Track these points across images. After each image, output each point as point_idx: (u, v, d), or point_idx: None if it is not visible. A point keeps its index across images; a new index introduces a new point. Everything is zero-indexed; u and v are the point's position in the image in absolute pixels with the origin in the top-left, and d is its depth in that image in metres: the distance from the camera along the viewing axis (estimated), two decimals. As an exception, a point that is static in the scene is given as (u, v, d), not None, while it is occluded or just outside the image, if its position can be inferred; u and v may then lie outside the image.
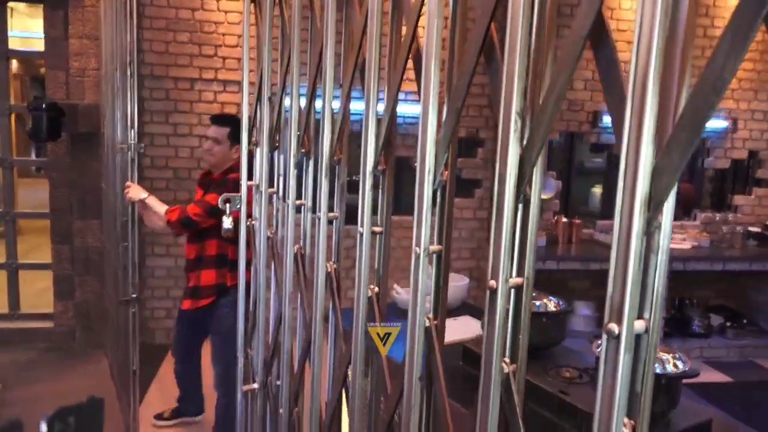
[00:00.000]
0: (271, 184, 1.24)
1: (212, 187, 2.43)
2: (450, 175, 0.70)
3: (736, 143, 5.17)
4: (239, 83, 4.43)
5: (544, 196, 4.84)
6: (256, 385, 1.29)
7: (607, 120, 4.73)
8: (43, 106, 3.90)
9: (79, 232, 4.45)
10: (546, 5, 0.57)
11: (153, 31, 4.26)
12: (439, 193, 0.71)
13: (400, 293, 2.82)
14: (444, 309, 0.74)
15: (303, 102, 1.06)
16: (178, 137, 4.38)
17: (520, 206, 0.58)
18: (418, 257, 0.72)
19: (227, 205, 1.36)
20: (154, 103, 4.33)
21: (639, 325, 0.47)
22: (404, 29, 0.81)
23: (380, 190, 0.83)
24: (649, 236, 0.46)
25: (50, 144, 4.24)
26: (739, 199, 5.26)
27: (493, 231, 0.59)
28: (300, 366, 1.10)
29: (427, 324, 0.73)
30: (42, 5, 4.21)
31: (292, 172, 1.08)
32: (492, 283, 0.59)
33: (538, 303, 2.39)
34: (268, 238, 1.22)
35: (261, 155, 1.23)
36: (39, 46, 4.36)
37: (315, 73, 1.02)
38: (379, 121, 0.82)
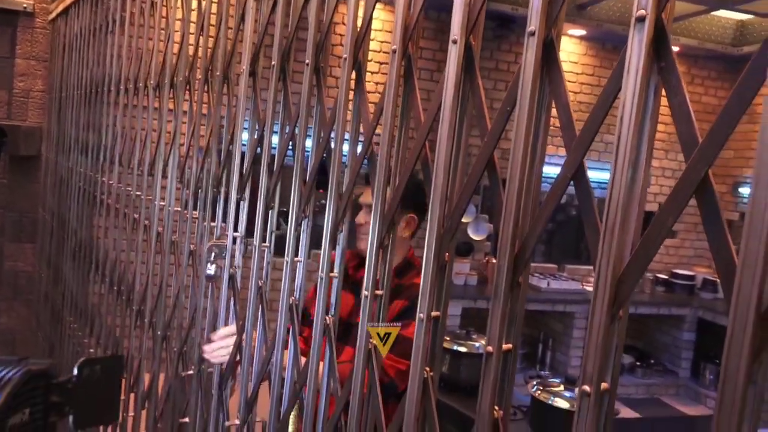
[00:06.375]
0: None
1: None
2: (450, 257, 0.89)
3: (648, 197, 5.68)
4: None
5: (477, 238, 5.15)
6: (237, 422, 1.41)
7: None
8: (-15, 126, 3.82)
9: (9, 255, 4.33)
10: (539, 138, 0.78)
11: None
12: (440, 272, 0.89)
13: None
14: (440, 363, 0.92)
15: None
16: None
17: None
18: (421, 321, 0.89)
19: (212, 254, 1.49)
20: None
21: (604, 386, 0.66)
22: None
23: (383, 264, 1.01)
24: (612, 325, 0.65)
25: (-14, 164, 4.14)
26: (649, 248, 5.77)
27: (491, 308, 0.78)
28: (287, 411, 1.24)
29: (425, 376, 0.90)
30: (-12, 22, 4.15)
31: (293, 232, 1.24)
32: (489, 348, 0.78)
33: (477, 344, 2.61)
34: (259, 287, 1.36)
35: (258, 212, 1.38)
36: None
37: (321, 153, 1.19)
38: (384, 204, 1.00)
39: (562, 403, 1.87)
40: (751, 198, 0.53)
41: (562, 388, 1.99)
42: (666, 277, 5.54)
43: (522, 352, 5.12)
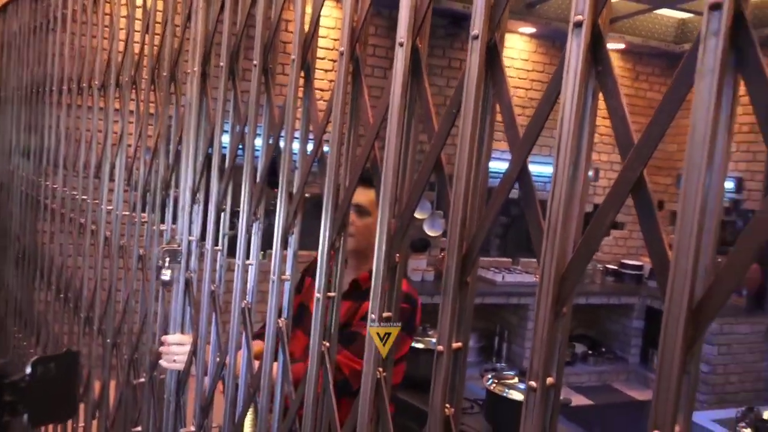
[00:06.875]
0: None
1: (359, 300, 1.55)
2: (402, 257, 0.90)
3: (598, 190, 5.84)
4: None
5: (432, 234, 5.19)
6: (193, 428, 1.39)
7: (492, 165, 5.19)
8: None
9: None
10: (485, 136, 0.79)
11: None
12: (390, 272, 0.90)
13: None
14: (391, 362, 0.93)
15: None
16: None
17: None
18: (373, 322, 0.90)
19: (167, 258, 1.46)
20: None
21: (549, 381, 0.68)
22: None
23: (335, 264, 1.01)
24: (556, 321, 0.67)
25: None
26: (599, 240, 5.95)
27: (440, 308, 0.79)
28: (242, 415, 1.23)
29: (378, 376, 0.91)
30: None
31: (247, 236, 1.23)
32: (440, 347, 0.79)
33: (434, 340, 2.64)
34: (212, 291, 1.34)
35: (209, 214, 1.36)
36: None
37: (271, 154, 1.18)
38: (336, 204, 1.00)
39: (516, 395, 1.92)
40: (681, 197, 0.55)
41: (516, 380, 2.03)
42: (615, 267, 5.71)
43: (478, 346, 5.20)
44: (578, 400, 4.81)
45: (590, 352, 5.42)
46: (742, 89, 0.56)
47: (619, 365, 5.45)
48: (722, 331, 4.79)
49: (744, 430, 2.51)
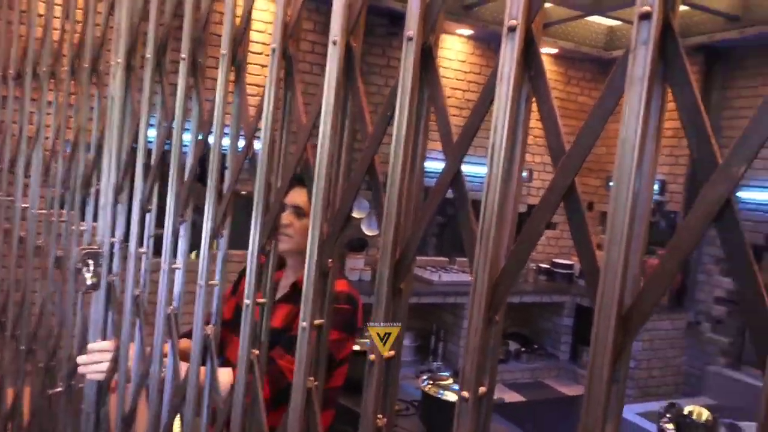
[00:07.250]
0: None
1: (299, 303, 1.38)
2: (334, 263, 0.87)
3: (532, 191, 5.98)
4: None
5: (370, 233, 5.19)
6: (113, 440, 1.31)
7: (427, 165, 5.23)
8: None
9: None
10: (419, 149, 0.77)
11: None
12: (322, 278, 0.87)
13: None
14: (323, 373, 0.90)
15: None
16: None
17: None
18: (304, 330, 0.87)
19: (87, 261, 1.37)
20: None
21: (481, 390, 0.67)
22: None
23: (266, 268, 0.97)
24: (488, 329, 0.66)
25: None
26: (532, 240, 6.09)
27: (373, 315, 0.77)
28: (166, 426, 1.17)
29: (309, 385, 0.88)
30: None
31: (173, 238, 1.17)
32: (372, 356, 0.77)
33: (368, 342, 2.62)
34: (136, 296, 1.27)
35: (132, 212, 1.29)
36: None
37: (200, 154, 1.13)
38: (267, 207, 0.96)
39: (451, 397, 1.92)
40: (611, 204, 0.55)
41: (451, 381, 2.04)
42: (548, 266, 5.87)
43: (414, 345, 5.23)
44: (511, 397, 4.92)
45: (523, 349, 5.55)
46: (668, 96, 0.56)
47: (551, 362, 5.61)
48: (646, 327, 5.00)
49: (667, 425, 2.62)
